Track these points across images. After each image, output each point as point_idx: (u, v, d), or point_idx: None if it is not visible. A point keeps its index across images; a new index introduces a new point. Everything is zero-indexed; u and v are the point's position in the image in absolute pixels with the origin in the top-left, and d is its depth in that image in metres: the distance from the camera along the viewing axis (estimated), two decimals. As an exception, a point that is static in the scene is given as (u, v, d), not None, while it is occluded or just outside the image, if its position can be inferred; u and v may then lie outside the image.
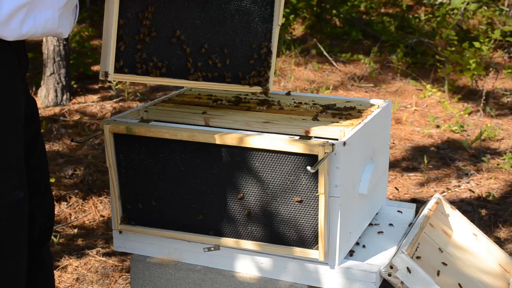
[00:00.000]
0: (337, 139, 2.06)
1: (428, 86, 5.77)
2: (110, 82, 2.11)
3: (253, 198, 2.06)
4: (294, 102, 2.44)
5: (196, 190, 2.12)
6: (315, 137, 2.05)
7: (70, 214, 3.56)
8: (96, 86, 5.75)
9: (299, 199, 2.00)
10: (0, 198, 1.72)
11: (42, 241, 2.06)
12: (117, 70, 2.02)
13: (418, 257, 2.22)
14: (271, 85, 2.41)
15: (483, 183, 3.98)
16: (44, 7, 1.70)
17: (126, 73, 2.05)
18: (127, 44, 2.02)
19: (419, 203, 3.54)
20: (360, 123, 2.17)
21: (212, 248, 2.18)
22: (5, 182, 1.72)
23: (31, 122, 1.91)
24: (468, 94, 5.82)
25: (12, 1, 1.62)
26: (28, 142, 1.89)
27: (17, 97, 1.75)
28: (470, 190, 3.86)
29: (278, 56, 6.51)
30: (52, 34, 1.78)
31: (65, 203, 3.67)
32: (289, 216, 2.04)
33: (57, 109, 5.16)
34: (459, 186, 3.97)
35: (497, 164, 4.22)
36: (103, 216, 3.55)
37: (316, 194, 1.98)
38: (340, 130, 2.10)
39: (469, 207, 3.65)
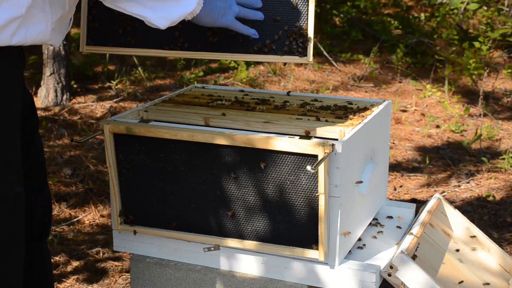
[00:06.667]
0: (337, 139, 2.06)
1: (428, 86, 5.77)
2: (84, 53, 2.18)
3: (253, 198, 2.06)
4: (294, 102, 2.44)
5: (196, 190, 2.12)
6: (315, 137, 2.05)
7: (70, 214, 3.56)
8: (96, 86, 5.75)
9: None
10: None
11: (41, 237, 2.06)
12: (93, 42, 2.06)
13: (417, 257, 2.22)
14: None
15: (483, 183, 3.98)
16: (37, 20, 1.69)
17: (99, 45, 2.09)
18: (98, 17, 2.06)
19: (419, 203, 3.54)
20: (360, 123, 2.17)
21: (212, 248, 2.18)
22: (5, 177, 1.73)
23: (28, 116, 1.91)
24: (468, 94, 5.82)
25: (5, 13, 1.62)
26: (26, 137, 1.90)
27: (16, 94, 1.75)
28: (470, 190, 3.86)
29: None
30: (42, 44, 1.78)
31: (65, 203, 3.67)
32: (289, 216, 2.03)
33: (57, 109, 5.16)
34: (459, 186, 3.97)
35: (498, 165, 4.23)
36: (103, 216, 3.55)
37: (316, 194, 1.98)
38: (340, 130, 2.10)
39: (469, 207, 3.65)
